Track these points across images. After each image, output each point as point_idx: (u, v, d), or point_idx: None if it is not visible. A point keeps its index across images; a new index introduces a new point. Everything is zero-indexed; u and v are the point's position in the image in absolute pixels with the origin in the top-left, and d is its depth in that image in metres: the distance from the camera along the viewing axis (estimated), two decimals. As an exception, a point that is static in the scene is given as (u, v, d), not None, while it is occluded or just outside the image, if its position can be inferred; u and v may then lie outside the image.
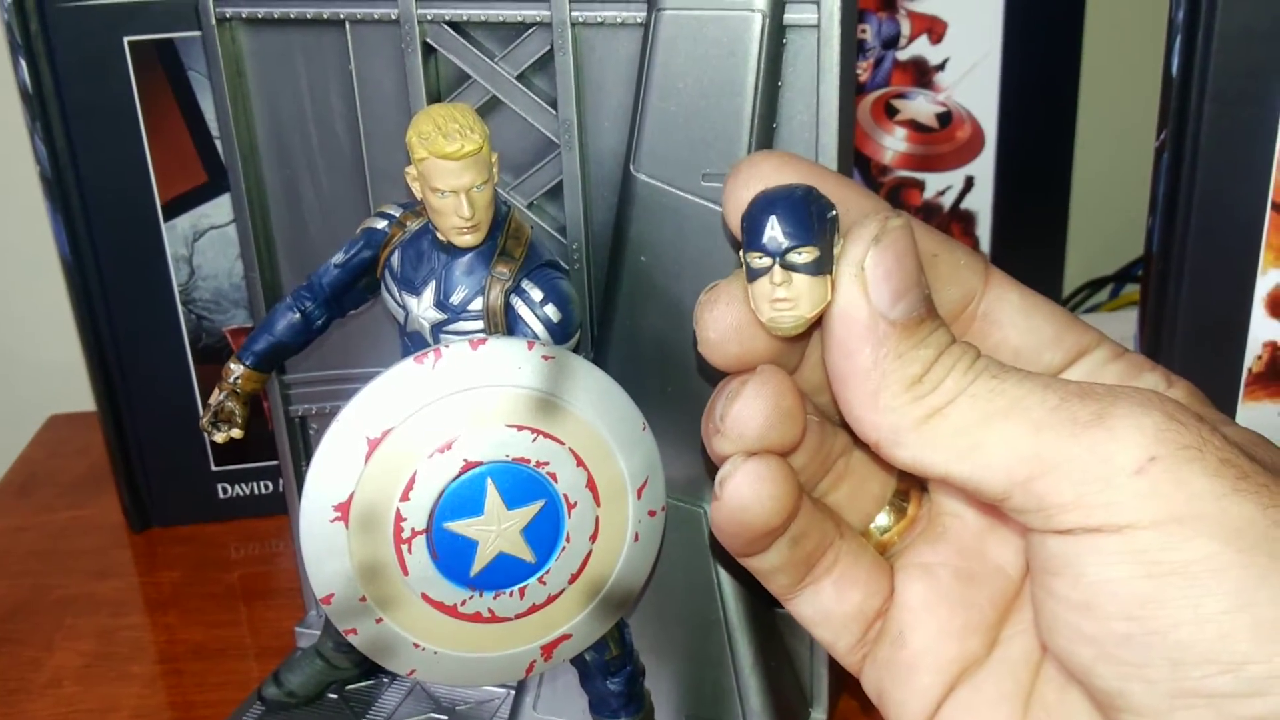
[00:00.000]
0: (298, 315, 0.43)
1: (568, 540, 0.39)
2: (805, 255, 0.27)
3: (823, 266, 0.27)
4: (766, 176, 0.29)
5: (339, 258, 0.42)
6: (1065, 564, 0.26)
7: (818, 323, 0.28)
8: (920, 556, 0.32)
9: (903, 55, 0.69)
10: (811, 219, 0.27)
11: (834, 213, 0.27)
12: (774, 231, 0.27)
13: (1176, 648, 0.24)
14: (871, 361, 0.27)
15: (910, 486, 0.33)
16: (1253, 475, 0.25)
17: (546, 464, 0.38)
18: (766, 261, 0.27)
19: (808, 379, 0.31)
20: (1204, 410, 0.29)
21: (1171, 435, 0.25)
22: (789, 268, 0.27)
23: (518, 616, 0.39)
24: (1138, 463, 0.24)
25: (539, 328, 0.40)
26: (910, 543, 0.33)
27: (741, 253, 0.28)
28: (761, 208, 0.27)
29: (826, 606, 0.32)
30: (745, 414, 0.29)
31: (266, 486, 0.68)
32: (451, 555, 0.38)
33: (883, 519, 0.33)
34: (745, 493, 0.29)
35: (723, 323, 0.29)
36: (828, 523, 0.31)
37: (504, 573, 0.38)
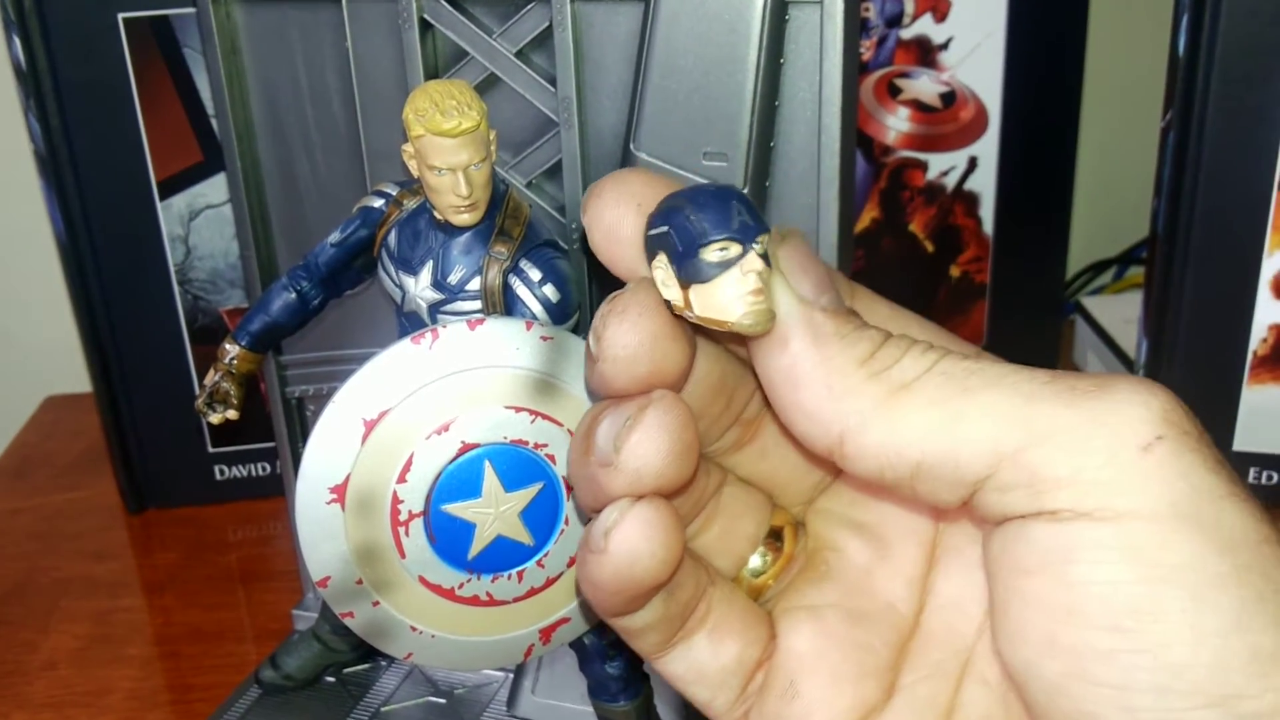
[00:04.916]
0: (293, 295, 0.42)
1: (566, 523, 0.38)
2: (762, 245, 0.25)
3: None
4: (636, 193, 0.26)
5: (335, 237, 0.42)
6: (1048, 559, 0.23)
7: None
8: (804, 598, 0.29)
9: (906, 34, 0.68)
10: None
11: None
12: (743, 216, 0.25)
13: (1167, 671, 0.22)
14: (816, 356, 0.24)
15: (785, 523, 0.30)
16: (1238, 483, 0.23)
17: (545, 446, 0.37)
18: (735, 250, 0.24)
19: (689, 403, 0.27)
20: None
21: (1177, 419, 0.22)
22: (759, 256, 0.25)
23: (516, 600, 0.39)
24: (1145, 439, 0.22)
25: (537, 308, 0.39)
26: (790, 584, 0.30)
27: (663, 259, 0.25)
28: (713, 194, 0.25)
29: (701, 662, 0.28)
30: (646, 448, 0.25)
31: (264, 468, 0.68)
32: (449, 538, 0.37)
33: (756, 561, 0.30)
34: (638, 544, 0.25)
35: (635, 338, 0.25)
36: (700, 570, 0.28)
37: (502, 555, 0.38)
